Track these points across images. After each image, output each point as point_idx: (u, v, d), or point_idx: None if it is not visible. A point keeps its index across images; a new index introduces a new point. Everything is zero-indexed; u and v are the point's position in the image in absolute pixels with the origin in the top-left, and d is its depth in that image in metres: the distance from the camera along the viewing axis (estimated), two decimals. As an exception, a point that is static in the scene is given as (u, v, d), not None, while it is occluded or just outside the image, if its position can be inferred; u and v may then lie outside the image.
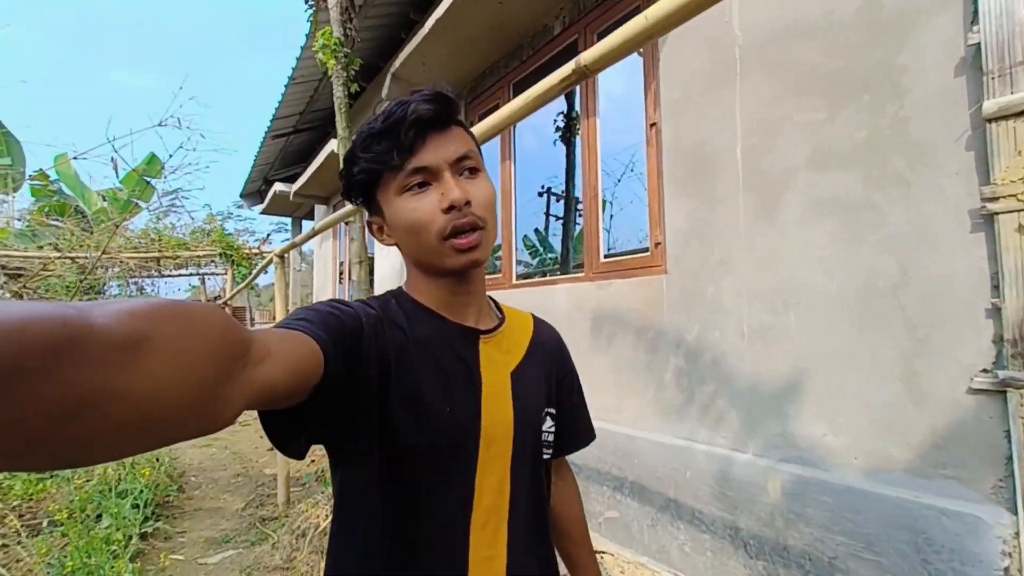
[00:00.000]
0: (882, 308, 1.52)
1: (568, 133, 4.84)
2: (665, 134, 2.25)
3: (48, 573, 2.27)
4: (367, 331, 0.58)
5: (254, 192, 10.05)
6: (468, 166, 0.64)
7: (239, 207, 11.27)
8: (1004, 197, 1.28)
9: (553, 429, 0.74)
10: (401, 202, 0.62)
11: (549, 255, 6.96)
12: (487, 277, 3.85)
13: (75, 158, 3.26)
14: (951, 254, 1.40)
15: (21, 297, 4.16)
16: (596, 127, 2.69)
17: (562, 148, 5.16)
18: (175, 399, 0.29)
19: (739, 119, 1.95)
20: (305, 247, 12.12)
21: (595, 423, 0.86)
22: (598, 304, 2.52)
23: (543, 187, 6.61)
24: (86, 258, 4.89)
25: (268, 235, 8.71)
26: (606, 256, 2.60)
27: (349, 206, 2.09)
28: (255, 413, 0.46)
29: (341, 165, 0.67)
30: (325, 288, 7.64)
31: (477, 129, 1.12)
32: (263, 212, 9.52)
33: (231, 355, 0.34)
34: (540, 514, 0.71)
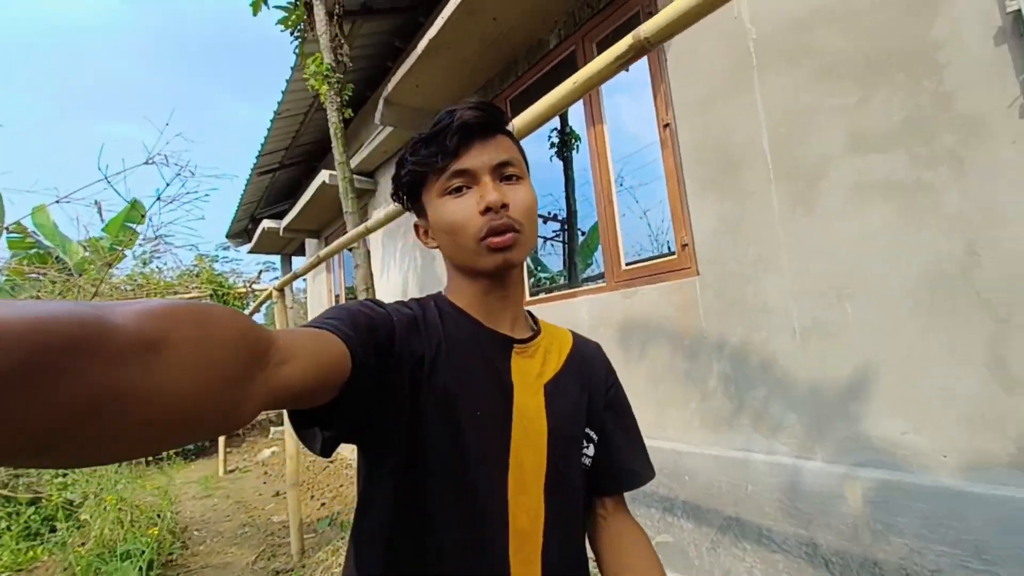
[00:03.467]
0: (953, 291, 1.43)
1: (564, 149, 4.81)
2: (682, 133, 2.17)
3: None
4: (400, 331, 0.58)
5: (240, 232, 9.86)
6: (510, 173, 0.64)
7: (225, 248, 11.06)
8: (1079, 162, 1.21)
9: (592, 454, 0.70)
10: (442, 204, 0.63)
11: (544, 274, 6.94)
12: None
13: (57, 201, 3.10)
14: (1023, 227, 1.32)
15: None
16: (605, 134, 2.61)
17: (556, 166, 5.13)
18: (193, 398, 0.29)
19: (762, 111, 1.88)
20: (297, 284, 11.88)
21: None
22: (626, 314, 2.40)
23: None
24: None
25: (260, 272, 8.48)
26: (628, 263, 2.50)
27: (352, 232, 1.97)
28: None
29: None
30: (321, 323, 7.41)
31: (517, 121, 1.02)
32: (251, 251, 9.31)
33: (250, 355, 0.34)
34: (580, 542, 0.68)
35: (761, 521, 1.79)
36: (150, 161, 3.21)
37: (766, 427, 1.85)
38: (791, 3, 1.81)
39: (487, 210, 0.61)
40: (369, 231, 1.79)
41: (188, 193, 3.02)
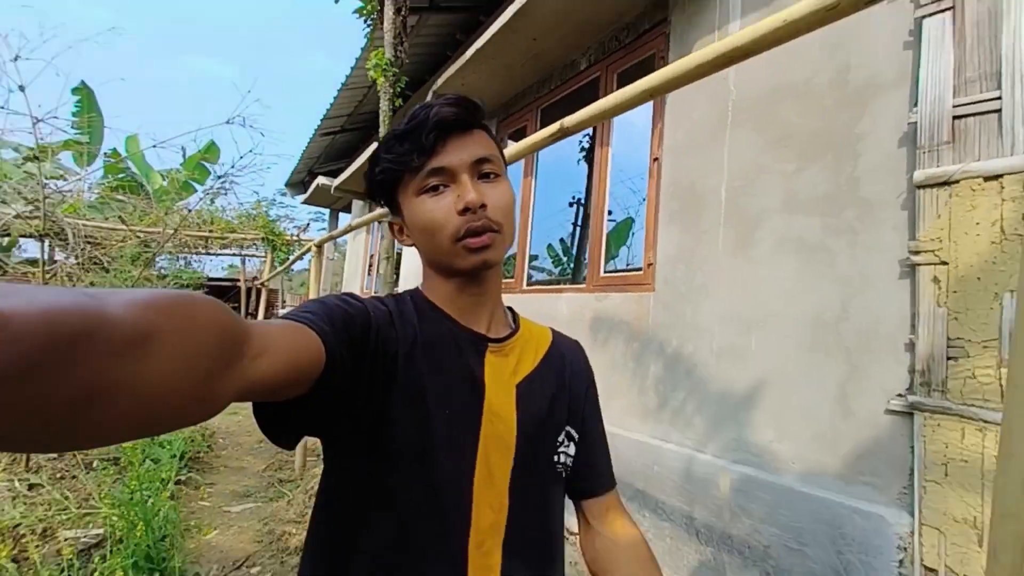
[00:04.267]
0: (826, 337, 1.78)
1: (591, 154, 5.17)
2: (664, 169, 2.53)
3: (105, 495, 2.68)
4: (375, 326, 0.58)
5: (298, 183, 10.67)
6: (487, 170, 0.63)
7: (283, 195, 11.96)
8: (924, 252, 1.54)
9: (572, 452, 0.70)
10: (418, 203, 0.62)
11: (571, 265, 7.22)
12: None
13: (154, 146, 3.73)
14: (883, 295, 1.65)
15: (98, 263, 4.70)
16: (608, 156, 2.99)
17: (583, 168, 5.51)
18: (176, 390, 0.30)
19: (726, 163, 2.22)
20: (340, 238, 12.68)
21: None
22: (595, 314, 2.81)
23: (574, 198, 6.90)
24: (158, 232, 5.47)
25: (307, 224, 9.26)
26: (606, 272, 2.89)
27: (375, 212, 2.43)
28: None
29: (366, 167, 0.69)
30: (355, 278, 8.10)
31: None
32: (304, 202, 10.09)
33: (228, 348, 0.35)
34: (546, 538, 0.67)
35: (659, 496, 2.20)
36: (230, 121, 3.81)
37: (681, 423, 2.24)
38: (767, 74, 2.13)
39: (465, 210, 0.59)
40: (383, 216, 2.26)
41: (257, 155, 3.60)
